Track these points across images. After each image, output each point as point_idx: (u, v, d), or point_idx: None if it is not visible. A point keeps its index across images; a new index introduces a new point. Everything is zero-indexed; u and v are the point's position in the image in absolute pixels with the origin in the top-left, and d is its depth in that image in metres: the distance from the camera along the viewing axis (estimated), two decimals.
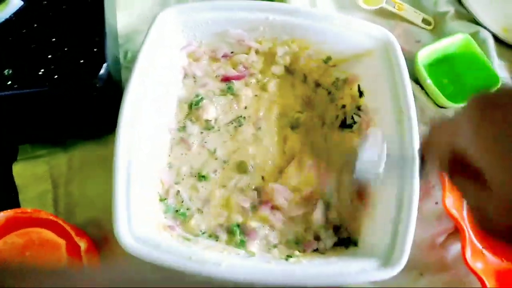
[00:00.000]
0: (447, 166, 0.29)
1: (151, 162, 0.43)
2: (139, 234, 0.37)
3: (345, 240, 0.42)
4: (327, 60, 0.48)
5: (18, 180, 0.47)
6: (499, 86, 0.51)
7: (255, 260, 0.38)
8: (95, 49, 0.40)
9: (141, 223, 0.38)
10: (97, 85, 0.40)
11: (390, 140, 0.41)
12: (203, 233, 0.43)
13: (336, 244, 0.42)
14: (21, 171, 0.47)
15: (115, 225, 0.36)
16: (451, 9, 0.58)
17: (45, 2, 0.41)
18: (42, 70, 0.39)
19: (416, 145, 0.40)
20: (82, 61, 0.39)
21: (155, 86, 0.43)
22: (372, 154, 0.38)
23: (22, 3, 0.40)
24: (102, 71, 0.39)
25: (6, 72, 0.38)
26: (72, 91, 0.40)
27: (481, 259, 0.47)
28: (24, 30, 0.40)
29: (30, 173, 0.47)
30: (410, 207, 0.38)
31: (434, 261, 0.48)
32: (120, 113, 0.39)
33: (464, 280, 0.47)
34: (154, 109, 0.43)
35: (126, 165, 0.38)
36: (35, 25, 0.40)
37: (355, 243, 0.41)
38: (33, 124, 0.44)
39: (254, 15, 0.45)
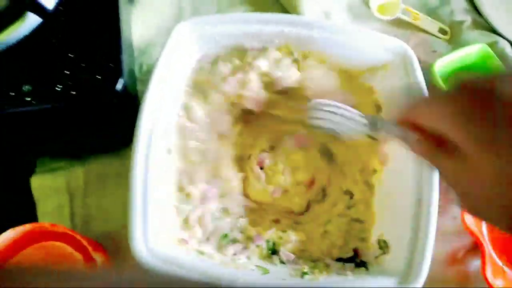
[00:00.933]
0: (426, 139, 0.30)
1: (168, 175, 0.42)
2: (154, 248, 0.37)
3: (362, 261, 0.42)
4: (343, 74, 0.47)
5: (36, 193, 0.47)
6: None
7: (270, 277, 0.38)
8: (111, 64, 0.40)
9: (156, 236, 0.38)
10: (114, 100, 0.40)
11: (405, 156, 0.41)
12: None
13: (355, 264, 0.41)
14: (39, 184, 0.47)
15: (130, 238, 0.36)
16: (468, 18, 0.57)
17: (63, 19, 0.42)
18: (60, 86, 0.39)
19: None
20: (99, 76, 0.40)
21: (172, 99, 0.43)
22: None
23: (40, 20, 0.41)
24: (118, 86, 0.40)
25: (25, 88, 0.39)
26: (89, 107, 0.41)
27: (501, 276, 0.45)
28: (42, 47, 0.41)
29: (48, 186, 0.47)
30: (428, 226, 0.37)
31: (453, 277, 0.47)
32: (137, 126, 0.39)
33: None
34: (169, 127, 0.43)
35: (142, 178, 0.38)
36: (53, 41, 0.41)
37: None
38: (51, 138, 0.45)
39: (269, 27, 0.45)
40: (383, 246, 0.41)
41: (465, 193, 0.29)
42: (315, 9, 0.56)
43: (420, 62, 0.55)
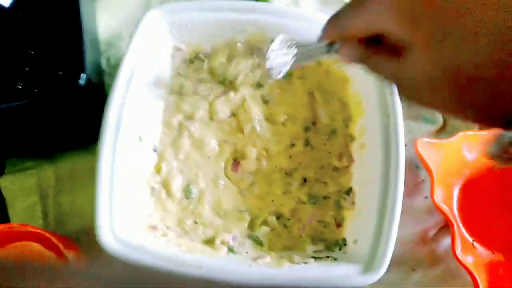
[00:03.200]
0: (361, 48, 0.30)
1: (137, 164, 0.42)
2: (120, 235, 0.37)
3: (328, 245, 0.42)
4: (319, 64, 0.47)
5: (6, 194, 0.47)
6: None
7: (236, 263, 0.38)
8: (73, 59, 0.40)
9: (124, 223, 0.38)
10: (77, 95, 0.40)
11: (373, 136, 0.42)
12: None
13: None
14: (9, 184, 0.47)
15: (96, 226, 0.36)
16: None
17: (21, 14, 0.40)
18: (21, 84, 0.38)
19: (402, 152, 0.40)
20: (60, 72, 0.39)
21: (141, 91, 0.43)
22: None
23: None
24: (81, 81, 0.39)
25: None
26: (53, 103, 0.40)
27: (472, 252, 0.47)
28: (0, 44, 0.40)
29: (18, 186, 0.47)
30: (393, 210, 0.38)
31: (425, 255, 0.48)
32: (104, 115, 0.39)
33: (456, 273, 0.48)
34: (140, 115, 0.42)
35: (109, 166, 0.38)
36: (10, 37, 0.40)
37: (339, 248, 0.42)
38: (17, 137, 0.44)
39: (243, 16, 0.45)
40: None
41: (407, 88, 0.29)
42: None
43: None
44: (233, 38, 0.46)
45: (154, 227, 0.42)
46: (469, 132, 0.48)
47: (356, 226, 0.42)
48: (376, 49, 0.30)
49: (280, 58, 0.37)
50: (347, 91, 0.47)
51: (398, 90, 0.31)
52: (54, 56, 0.40)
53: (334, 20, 0.31)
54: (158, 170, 0.44)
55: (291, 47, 0.37)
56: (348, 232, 0.42)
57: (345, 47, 0.31)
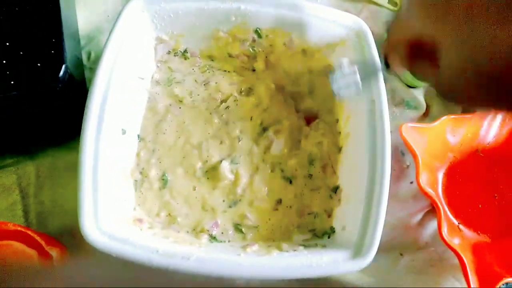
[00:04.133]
0: (407, 58, 0.32)
1: (120, 157, 0.42)
2: (105, 229, 0.36)
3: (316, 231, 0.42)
4: (303, 53, 0.47)
5: None
6: None
7: (225, 252, 0.38)
8: (52, 51, 0.38)
9: (108, 217, 0.37)
10: (57, 89, 0.39)
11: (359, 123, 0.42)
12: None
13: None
14: None
15: (80, 219, 0.36)
16: None
17: None
18: None
19: (388, 138, 0.40)
20: (39, 64, 0.38)
21: (124, 83, 0.42)
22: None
23: None
24: (61, 74, 0.38)
25: None
26: (31, 97, 0.39)
27: (458, 235, 0.47)
28: None
29: None
30: (380, 197, 0.38)
31: (412, 240, 0.49)
32: (86, 107, 0.38)
33: (443, 256, 0.48)
34: (123, 107, 0.41)
35: (92, 159, 0.37)
36: None
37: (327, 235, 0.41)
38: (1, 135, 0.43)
39: (226, 4, 0.44)
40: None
41: (445, 87, 0.30)
42: None
43: (373, 34, 0.57)
44: (217, 28, 0.46)
45: (139, 220, 0.41)
46: (452, 116, 0.49)
47: (344, 213, 0.42)
48: (418, 55, 0.31)
49: (344, 79, 0.40)
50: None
51: (439, 92, 0.32)
52: (32, 48, 0.38)
53: (389, 39, 0.35)
54: (138, 157, 0.44)
55: (353, 68, 0.40)
56: (336, 220, 0.42)
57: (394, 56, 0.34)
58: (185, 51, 0.48)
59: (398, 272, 0.48)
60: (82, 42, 0.51)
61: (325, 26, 0.45)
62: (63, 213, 0.46)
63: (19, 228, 0.39)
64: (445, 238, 0.44)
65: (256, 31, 0.46)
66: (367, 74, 0.41)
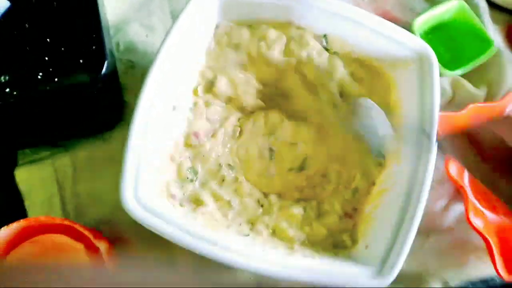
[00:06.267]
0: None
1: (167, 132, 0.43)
2: (145, 201, 0.37)
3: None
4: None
5: (22, 186, 0.46)
6: (492, 52, 0.53)
7: (250, 245, 0.39)
8: (93, 47, 0.38)
9: (148, 190, 0.38)
10: (99, 84, 0.39)
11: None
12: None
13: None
14: (25, 176, 0.46)
15: (121, 191, 0.36)
16: None
17: (34, 1, 0.38)
18: (41, 73, 0.37)
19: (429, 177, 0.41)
20: (81, 60, 0.38)
21: (181, 63, 0.43)
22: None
23: (8, 3, 0.38)
24: (104, 70, 0.38)
25: (2, 78, 0.36)
26: (74, 93, 0.39)
27: (482, 218, 0.49)
28: (15, 32, 0.38)
29: (35, 177, 0.46)
30: (411, 224, 0.39)
31: (438, 223, 0.51)
32: (143, 84, 0.39)
33: (466, 238, 0.50)
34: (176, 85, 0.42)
35: (140, 132, 0.39)
36: (27, 25, 0.38)
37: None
38: (34, 128, 0.43)
39: (298, 5, 0.44)
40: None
41: None
42: None
43: (399, 22, 0.57)
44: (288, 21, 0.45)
45: (173, 196, 0.42)
46: (479, 104, 0.50)
47: (371, 233, 0.42)
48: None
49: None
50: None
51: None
52: (73, 45, 0.38)
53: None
54: (187, 143, 0.45)
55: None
56: (361, 237, 0.43)
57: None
58: None
59: (424, 252, 0.50)
60: (110, 32, 0.50)
61: (391, 44, 0.44)
62: (100, 204, 0.47)
63: (65, 222, 0.40)
64: (472, 221, 0.46)
65: (324, 36, 0.45)
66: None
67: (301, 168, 0.47)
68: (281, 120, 0.48)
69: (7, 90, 0.36)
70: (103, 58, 0.38)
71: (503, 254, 0.46)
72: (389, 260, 0.38)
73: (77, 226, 0.40)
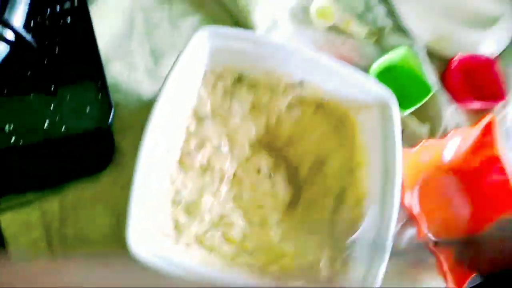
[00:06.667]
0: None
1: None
2: (148, 244, 0.39)
3: None
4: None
5: (7, 232, 0.44)
6: (432, 94, 0.62)
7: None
8: (99, 95, 0.39)
9: (149, 232, 0.40)
10: (105, 131, 0.40)
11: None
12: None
13: None
14: (10, 222, 0.44)
15: (127, 235, 0.38)
16: (389, 23, 0.67)
17: (36, 46, 0.38)
18: (47, 122, 0.37)
19: (396, 207, 0.46)
20: (87, 109, 0.38)
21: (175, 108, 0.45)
22: None
23: (7, 48, 0.37)
24: (110, 119, 0.39)
25: (6, 128, 0.36)
26: (77, 140, 0.39)
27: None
28: (17, 79, 0.37)
29: (21, 222, 0.44)
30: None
31: (394, 246, 0.58)
32: (144, 132, 0.40)
33: (420, 259, 0.58)
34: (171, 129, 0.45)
35: (144, 177, 0.40)
36: (28, 72, 0.38)
37: None
38: (25, 172, 0.42)
39: (281, 54, 0.47)
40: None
41: None
42: (264, 18, 0.59)
43: (354, 64, 0.64)
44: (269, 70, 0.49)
45: (167, 235, 0.44)
46: (428, 141, 0.58)
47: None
48: None
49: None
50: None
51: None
52: (77, 92, 0.39)
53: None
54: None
55: None
56: None
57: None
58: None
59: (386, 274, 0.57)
60: None
61: (357, 90, 0.50)
62: (89, 245, 0.47)
63: None
64: (425, 243, 0.54)
65: (300, 82, 0.50)
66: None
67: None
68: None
69: (13, 139, 0.36)
70: (109, 106, 0.39)
71: (452, 270, 0.54)
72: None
73: None
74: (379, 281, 0.44)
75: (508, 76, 0.68)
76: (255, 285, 0.43)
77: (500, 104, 0.66)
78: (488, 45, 0.68)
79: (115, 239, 0.46)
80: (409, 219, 0.58)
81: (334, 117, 0.53)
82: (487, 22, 0.69)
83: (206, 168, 0.49)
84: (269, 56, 0.47)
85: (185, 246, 0.45)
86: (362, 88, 0.50)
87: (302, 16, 0.63)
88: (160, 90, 0.42)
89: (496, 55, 0.68)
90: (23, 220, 0.45)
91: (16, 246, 0.44)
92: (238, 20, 0.59)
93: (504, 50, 0.71)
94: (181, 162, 0.47)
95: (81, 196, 0.47)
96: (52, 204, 0.46)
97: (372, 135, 0.51)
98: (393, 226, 0.46)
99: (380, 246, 0.42)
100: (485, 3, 0.70)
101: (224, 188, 0.49)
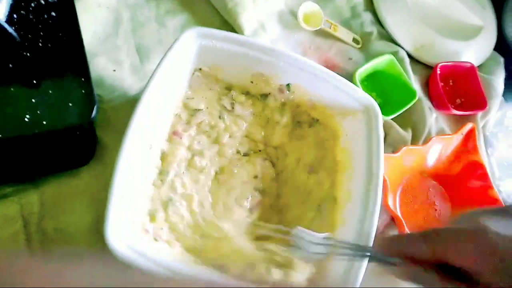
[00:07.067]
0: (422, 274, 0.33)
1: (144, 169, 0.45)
2: (126, 239, 0.39)
3: None
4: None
5: None
6: (415, 100, 0.63)
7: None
8: (83, 91, 0.39)
9: (127, 227, 0.40)
10: (86, 127, 0.39)
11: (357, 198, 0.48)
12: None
13: None
14: None
15: (105, 230, 0.37)
16: (374, 29, 0.68)
17: (19, 39, 0.38)
18: (28, 116, 0.37)
19: (377, 208, 0.46)
20: (70, 104, 0.38)
21: (161, 105, 0.45)
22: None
23: None
24: (93, 114, 0.39)
25: None
26: (58, 135, 0.39)
27: None
28: (2, 74, 0.37)
29: (0, 215, 0.44)
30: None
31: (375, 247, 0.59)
32: (128, 126, 0.40)
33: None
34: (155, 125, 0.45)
35: (124, 170, 0.40)
36: (11, 65, 0.38)
37: None
38: (4, 165, 0.42)
39: (267, 57, 0.48)
40: None
41: None
42: (251, 21, 0.59)
43: (339, 68, 0.65)
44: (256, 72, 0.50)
45: (146, 231, 0.44)
46: (410, 147, 0.59)
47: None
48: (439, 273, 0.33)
49: (311, 245, 0.38)
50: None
51: None
52: (61, 88, 0.39)
53: (399, 241, 0.36)
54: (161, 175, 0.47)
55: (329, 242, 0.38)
56: None
57: (406, 266, 0.34)
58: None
59: (366, 275, 0.57)
60: None
61: (342, 96, 0.51)
62: (67, 240, 0.46)
63: None
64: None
65: (287, 85, 0.51)
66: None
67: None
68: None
69: None
70: (93, 102, 0.39)
71: None
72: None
73: None
74: (359, 281, 0.44)
75: (488, 85, 0.69)
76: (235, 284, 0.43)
77: (481, 112, 0.68)
78: (469, 56, 0.70)
79: (95, 234, 0.46)
80: (391, 220, 0.59)
81: (322, 125, 0.54)
82: (469, 33, 0.71)
83: (189, 165, 0.49)
84: (256, 58, 0.48)
85: (163, 242, 0.45)
86: (348, 94, 0.51)
87: (289, 19, 0.64)
88: (146, 86, 0.42)
89: (477, 65, 0.70)
90: (2, 212, 0.44)
91: None
92: (226, 21, 0.60)
93: (485, 61, 0.73)
94: (163, 159, 0.47)
95: (61, 191, 0.47)
96: (31, 197, 0.46)
97: (356, 140, 0.51)
98: (375, 227, 0.47)
99: (362, 247, 0.42)
100: (468, 15, 0.71)
101: (206, 186, 0.49)
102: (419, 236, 0.34)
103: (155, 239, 0.44)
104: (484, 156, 0.67)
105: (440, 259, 0.32)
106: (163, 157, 0.48)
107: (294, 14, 0.64)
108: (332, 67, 0.64)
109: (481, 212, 0.33)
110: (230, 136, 0.52)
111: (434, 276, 0.33)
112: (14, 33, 0.37)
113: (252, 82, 0.51)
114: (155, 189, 0.47)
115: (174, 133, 0.48)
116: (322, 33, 0.65)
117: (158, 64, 0.43)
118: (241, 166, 0.51)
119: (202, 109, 0.50)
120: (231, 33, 0.47)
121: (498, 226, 0.31)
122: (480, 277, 0.31)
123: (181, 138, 0.49)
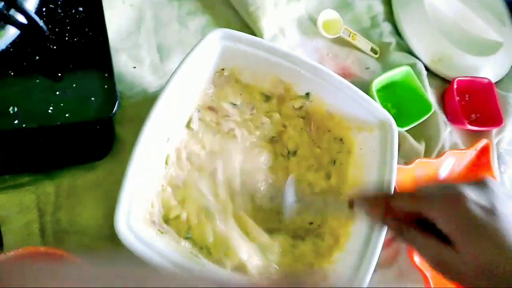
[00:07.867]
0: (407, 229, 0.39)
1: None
2: (136, 231, 0.39)
3: None
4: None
5: (1, 211, 0.44)
6: (431, 113, 0.62)
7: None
8: (105, 86, 0.40)
9: (138, 219, 0.41)
10: (107, 122, 0.40)
11: None
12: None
13: None
14: (5, 201, 0.44)
15: (116, 221, 0.39)
16: (393, 40, 0.68)
17: (47, 32, 0.39)
18: (51, 108, 0.37)
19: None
20: (93, 98, 0.39)
21: (181, 100, 0.46)
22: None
23: (17, 31, 0.38)
24: (114, 109, 0.40)
25: (11, 110, 0.36)
26: (82, 128, 0.40)
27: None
28: (25, 63, 0.38)
29: (16, 203, 0.45)
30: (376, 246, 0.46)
31: (382, 259, 0.58)
32: (146, 120, 0.41)
33: (405, 272, 0.59)
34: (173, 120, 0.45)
35: (140, 162, 0.41)
36: (37, 57, 0.38)
37: None
38: (22, 155, 0.42)
39: (288, 64, 0.48)
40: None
41: (447, 270, 0.37)
42: (271, 26, 0.60)
43: (356, 77, 0.65)
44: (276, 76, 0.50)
45: (153, 222, 0.45)
46: (423, 159, 0.59)
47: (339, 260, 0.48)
48: (422, 230, 0.38)
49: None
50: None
51: (443, 273, 0.37)
52: (84, 81, 0.39)
53: (385, 198, 0.42)
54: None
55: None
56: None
57: (390, 221, 0.41)
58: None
59: (372, 284, 0.57)
60: None
61: (361, 110, 0.51)
62: (81, 232, 0.47)
63: (64, 254, 0.40)
64: (414, 260, 0.55)
65: (307, 94, 0.51)
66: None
67: None
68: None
69: (16, 122, 0.36)
70: (115, 97, 0.40)
71: (436, 285, 0.55)
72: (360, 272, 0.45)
73: (51, 251, 0.40)
74: (366, 282, 0.45)
75: (505, 102, 0.69)
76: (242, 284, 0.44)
77: (496, 128, 0.67)
78: (487, 72, 0.69)
79: (107, 229, 0.47)
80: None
81: (336, 137, 0.54)
82: (488, 49, 0.70)
83: (201, 165, 0.49)
84: (278, 64, 0.48)
85: (174, 237, 0.45)
86: (366, 109, 0.51)
87: (309, 26, 0.64)
88: (167, 81, 0.42)
89: (494, 81, 0.69)
90: (16, 201, 0.45)
91: (9, 226, 0.44)
92: (246, 24, 0.60)
93: (502, 78, 0.73)
94: (177, 153, 0.48)
95: (76, 183, 0.47)
96: (47, 188, 0.46)
97: (370, 153, 0.51)
98: (383, 236, 0.47)
99: (369, 253, 0.45)
100: (488, 30, 0.71)
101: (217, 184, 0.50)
102: (407, 193, 0.40)
103: (163, 232, 0.45)
104: (497, 173, 0.66)
105: (421, 213, 0.37)
106: (178, 152, 0.48)
107: (313, 21, 0.64)
108: (348, 75, 0.65)
109: (463, 183, 0.38)
110: (244, 136, 0.52)
111: (416, 230, 0.38)
112: (43, 26, 0.37)
113: (271, 87, 0.51)
114: (167, 183, 0.47)
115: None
116: (340, 41, 0.65)
117: (182, 61, 0.43)
118: (254, 163, 0.52)
119: (221, 108, 0.50)
120: (255, 37, 0.47)
121: (475, 195, 0.36)
122: (453, 236, 0.35)
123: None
